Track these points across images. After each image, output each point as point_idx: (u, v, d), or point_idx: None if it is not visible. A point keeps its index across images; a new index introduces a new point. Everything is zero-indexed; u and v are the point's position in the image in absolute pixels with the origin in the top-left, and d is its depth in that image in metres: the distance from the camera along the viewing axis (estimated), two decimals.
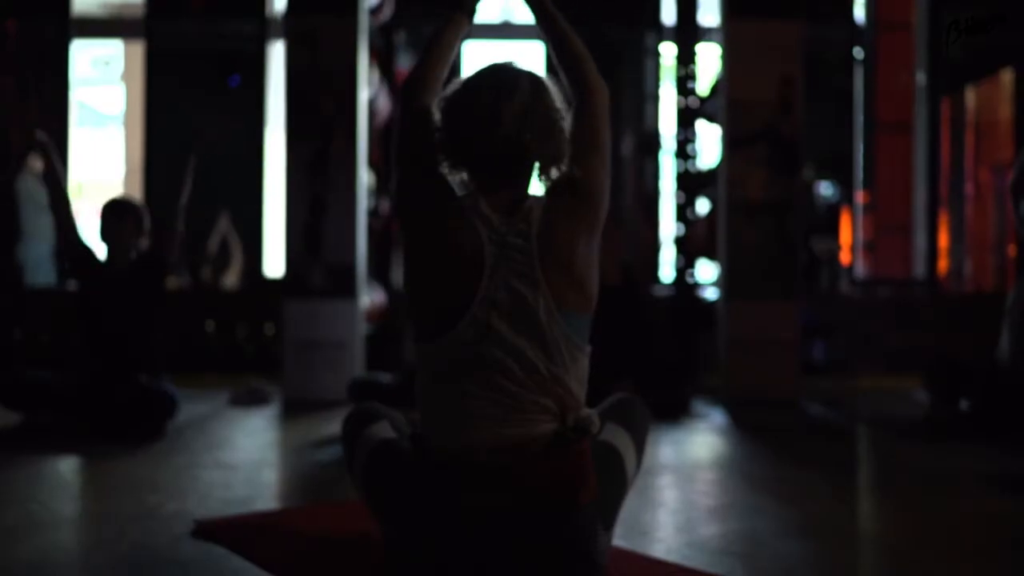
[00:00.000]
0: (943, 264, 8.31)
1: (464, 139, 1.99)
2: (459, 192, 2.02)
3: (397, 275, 6.39)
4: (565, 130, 2.02)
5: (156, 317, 4.32)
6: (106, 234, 4.29)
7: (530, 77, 2.02)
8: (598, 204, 2.01)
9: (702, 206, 6.43)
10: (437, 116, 2.04)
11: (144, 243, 4.34)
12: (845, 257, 8.13)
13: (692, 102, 6.30)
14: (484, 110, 1.96)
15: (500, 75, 2.01)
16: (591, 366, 2.03)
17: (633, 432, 2.10)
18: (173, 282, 6.71)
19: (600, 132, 2.06)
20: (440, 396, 1.95)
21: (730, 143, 5.40)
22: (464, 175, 2.02)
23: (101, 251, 4.34)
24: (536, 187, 2.04)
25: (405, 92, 2.10)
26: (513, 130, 1.96)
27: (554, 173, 2.01)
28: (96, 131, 9.64)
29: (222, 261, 7.83)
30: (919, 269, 8.02)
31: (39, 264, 7.52)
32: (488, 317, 1.92)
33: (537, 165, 2.01)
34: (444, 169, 2.03)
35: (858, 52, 8.15)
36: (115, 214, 4.32)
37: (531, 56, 8.06)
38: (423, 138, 2.04)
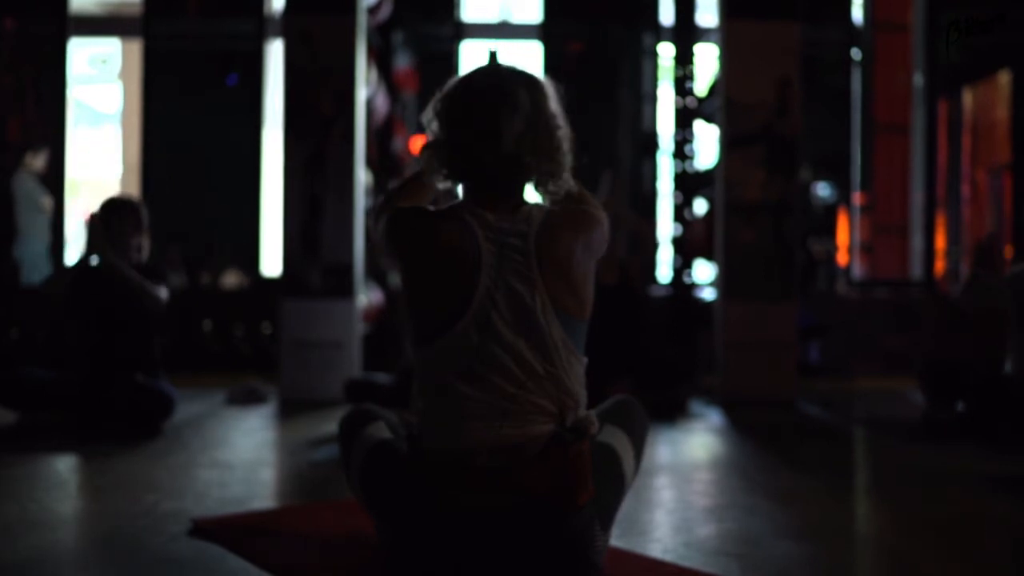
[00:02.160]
0: (940, 265, 8.32)
1: (463, 154, 1.99)
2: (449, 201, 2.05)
3: (394, 275, 6.39)
4: (564, 140, 2.01)
5: (153, 316, 4.31)
6: (107, 233, 4.27)
7: (529, 86, 1.99)
8: (595, 218, 2.03)
9: (700, 206, 6.43)
10: (433, 119, 2.03)
11: (146, 241, 4.31)
12: (842, 258, 8.13)
13: (690, 102, 6.31)
14: (484, 128, 1.95)
15: (500, 88, 1.97)
16: (589, 365, 2.03)
17: (632, 434, 2.10)
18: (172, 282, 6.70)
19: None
20: (438, 397, 1.95)
21: (728, 143, 5.41)
22: (459, 184, 2.03)
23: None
24: (532, 195, 2.06)
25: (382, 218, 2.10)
26: (513, 150, 1.95)
27: (551, 186, 2.02)
28: (93, 129, 9.64)
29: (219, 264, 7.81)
30: (916, 270, 8.02)
31: (35, 263, 7.51)
32: (487, 316, 1.91)
33: (535, 178, 2.02)
34: (438, 181, 2.04)
35: (856, 53, 8.16)
36: (114, 212, 4.30)
37: (528, 57, 8.07)
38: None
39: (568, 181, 2.04)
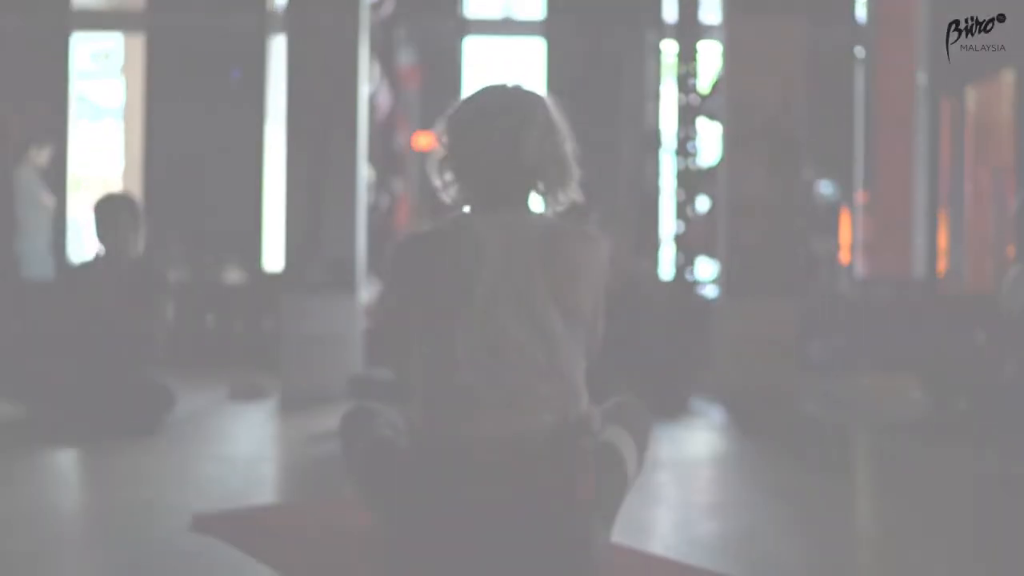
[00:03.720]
0: (942, 264, 8.31)
1: (472, 164, 2.03)
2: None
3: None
4: (570, 153, 2.07)
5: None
6: (102, 230, 4.26)
7: (534, 100, 2.06)
8: (597, 233, 2.07)
9: (702, 204, 6.43)
10: (443, 133, 2.07)
11: (141, 236, 4.31)
12: (844, 256, 8.13)
13: (693, 100, 6.30)
14: (491, 138, 2.00)
15: (506, 101, 2.04)
16: (589, 364, 2.04)
17: (635, 434, 2.10)
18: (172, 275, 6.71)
19: None
20: (441, 390, 1.95)
21: (731, 141, 5.40)
22: (469, 194, 2.06)
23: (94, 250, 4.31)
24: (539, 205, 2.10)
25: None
26: (520, 159, 2.00)
27: (561, 196, 2.07)
28: (95, 124, 9.63)
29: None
30: (918, 269, 8.02)
31: (36, 257, 7.51)
32: (492, 311, 1.93)
33: (543, 188, 2.06)
34: (447, 189, 2.07)
35: (859, 51, 8.14)
36: (110, 210, 4.29)
37: (531, 54, 8.06)
38: None
39: (574, 191, 2.09)
